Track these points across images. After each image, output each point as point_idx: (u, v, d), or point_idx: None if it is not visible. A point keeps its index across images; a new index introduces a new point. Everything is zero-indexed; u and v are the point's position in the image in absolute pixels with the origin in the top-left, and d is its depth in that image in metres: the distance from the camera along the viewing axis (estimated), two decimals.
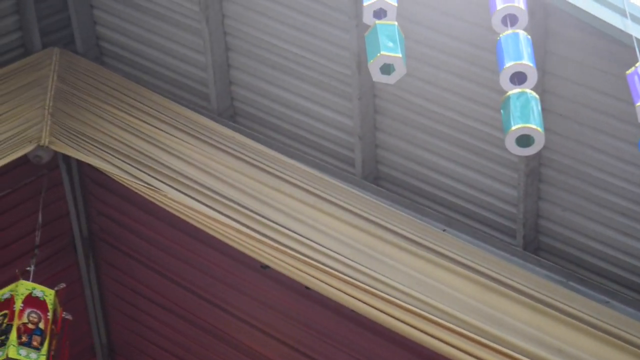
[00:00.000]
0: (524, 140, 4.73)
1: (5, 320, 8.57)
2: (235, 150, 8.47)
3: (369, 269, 7.43)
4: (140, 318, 10.79)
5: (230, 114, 8.90)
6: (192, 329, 10.27)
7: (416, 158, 8.05)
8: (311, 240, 7.74)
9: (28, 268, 9.04)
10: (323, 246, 7.68)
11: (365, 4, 5.41)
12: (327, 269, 7.57)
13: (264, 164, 8.33)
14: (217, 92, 8.77)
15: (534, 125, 4.64)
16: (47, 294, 8.82)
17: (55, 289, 8.88)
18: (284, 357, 9.57)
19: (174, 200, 8.39)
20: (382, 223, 7.76)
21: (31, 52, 9.18)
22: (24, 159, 9.12)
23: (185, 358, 10.62)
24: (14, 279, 8.97)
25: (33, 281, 9.04)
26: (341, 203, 7.90)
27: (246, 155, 8.41)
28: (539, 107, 4.74)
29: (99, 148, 8.78)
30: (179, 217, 8.57)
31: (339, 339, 9.08)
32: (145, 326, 10.81)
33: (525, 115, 4.66)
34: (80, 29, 9.22)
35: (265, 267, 8.39)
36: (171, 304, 10.30)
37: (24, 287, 8.83)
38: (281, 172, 8.23)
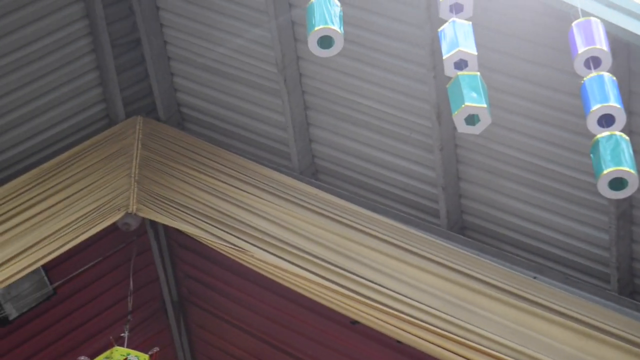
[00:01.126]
0: (617, 183, 4.67)
1: None
2: (319, 208, 8.53)
3: (461, 320, 7.37)
4: None
5: (312, 172, 8.96)
6: None
7: (502, 206, 8.00)
8: (400, 294, 7.72)
9: (122, 334, 9.14)
10: (413, 299, 7.65)
11: (445, 56, 5.42)
12: (418, 322, 7.54)
13: (349, 219, 8.36)
14: (298, 150, 8.85)
15: (627, 168, 4.59)
16: (142, 359, 8.90)
17: (149, 353, 8.94)
18: None
19: (261, 260, 8.45)
20: (471, 273, 7.71)
21: (115, 122, 9.38)
22: (113, 227, 9.30)
23: None
24: (108, 346, 9.09)
25: (127, 347, 9.14)
26: (428, 255, 7.88)
27: (330, 212, 8.46)
28: (630, 149, 4.69)
29: (185, 212, 8.91)
30: (266, 277, 8.63)
31: None
32: None
33: (617, 158, 4.61)
34: (162, 97, 9.41)
35: (355, 322, 8.37)
36: None
37: (119, 354, 8.92)
38: (366, 226, 8.25)
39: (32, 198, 8.87)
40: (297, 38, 8.39)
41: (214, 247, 8.81)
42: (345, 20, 5.45)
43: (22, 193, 8.87)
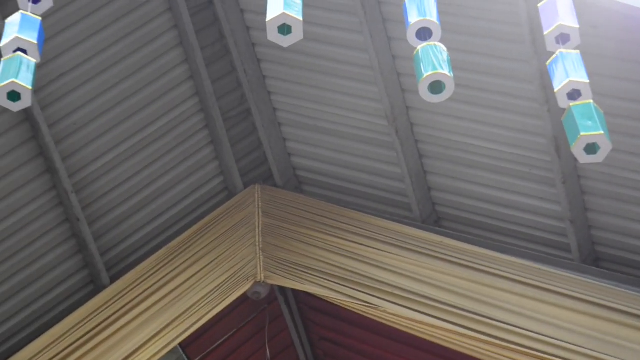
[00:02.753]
0: None
1: None
2: (446, 255, 8.45)
3: (610, 356, 7.16)
4: None
5: (434, 220, 8.90)
6: None
7: (634, 233, 7.78)
8: (541, 334, 7.57)
9: None
10: (555, 338, 7.50)
11: (557, 88, 5.34)
12: None
13: (477, 263, 8.26)
14: (418, 200, 8.81)
15: None
16: None
17: None
18: None
19: (394, 315, 8.42)
20: (611, 305, 7.52)
21: (234, 194, 9.51)
22: (243, 298, 9.39)
23: None
24: None
25: None
26: (564, 291, 7.71)
27: (457, 258, 8.37)
28: None
29: (312, 274, 8.94)
30: (400, 331, 8.56)
31: None
32: None
33: None
34: (277, 163, 9.51)
35: None
36: None
37: None
38: (496, 268, 8.13)
39: (162, 278, 9.03)
40: (405, 88, 8.40)
41: (344, 306, 8.80)
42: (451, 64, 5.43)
43: (153, 274, 9.03)
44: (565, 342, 7.42)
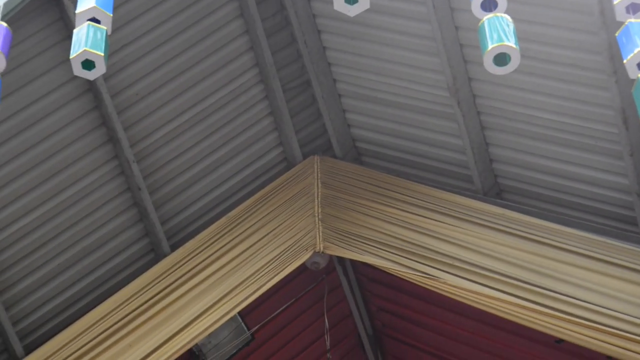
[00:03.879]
0: None
1: None
2: (507, 227, 8.38)
3: None
4: None
5: (496, 192, 8.83)
6: None
7: None
8: (606, 308, 7.48)
9: None
10: (620, 312, 7.40)
11: (626, 59, 5.25)
12: (630, 335, 7.28)
13: (540, 236, 8.18)
14: (479, 172, 8.74)
15: None
16: None
17: None
18: None
19: (455, 286, 8.36)
20: None
21: (293, 165, 9.51)
22: (302, 268, 9.41)
23: None
24: None
25: None
26: (629, 264, 7.61)
27: (519, 230, 8.30)
28: None
29: (371, 245, 8.92)
30: (459, 302, 8.53)
31: None
32: None
33: None
34: (336, 134, 9.49)
35: (560, 341, 8.17)
36: None
37: None
38: (559, 241, 8.05)
39: (222, 247, 9.08)
40: (467, 60, 8.31)
41: (404, 278, 8.78)
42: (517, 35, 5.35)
43: (213, 243, 9.08)
44: (630, 315, 7.34)
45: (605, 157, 7.93)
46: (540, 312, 7.78)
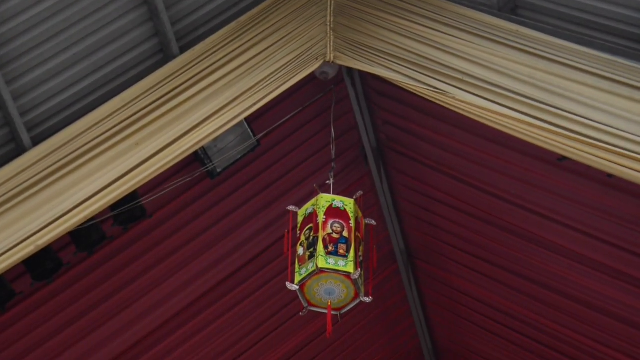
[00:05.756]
0: None
1: (312, 234, 8.79)
2: (521, 44, 8.30)
3: None
4: (435, 221, 10.92)
5: (511, 7, 8.69)
6: (487, 227, 10.29)
7: None
8: (612, 127, 7.49)
9: (327, 182, 9.24)
10: (625, 131, 7.41)
11: None
12: (631, 154, 7.32)
13: (552, 54, 8.11)
14: None
15: None
16: (347, 204, 8.92)
17: (354, 197, 8.99)
18: (586, 246, 9.40)
19: (463, 101, 8.35)
20: None
21: None
22: (310, 77, 9.37)
23: (482, 256, 10.67)
24: (313, 194, 9.25)
25: (332, 193, 9.25)
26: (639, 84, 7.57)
27: (532, 48, 8.22)
28: None
29: (382, 57, 8.85)
30: (466, 118, 8.53)
31: None
32: (440, 229, 10.94)
33: None
34: None
35: (562, 159, 8.22)
36: (464, 205, 10.34)
37: (324, 200, 8.96)
38: (571, 60, 7.99)
39: (231, 52, 9.01)
40: None
41: (412, 91, 8.74)
42: None
43: (222, 47, 9.01)
44: (635, 135, 7.34)
45: None
46: (546, 130, 7.78)
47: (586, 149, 7.58)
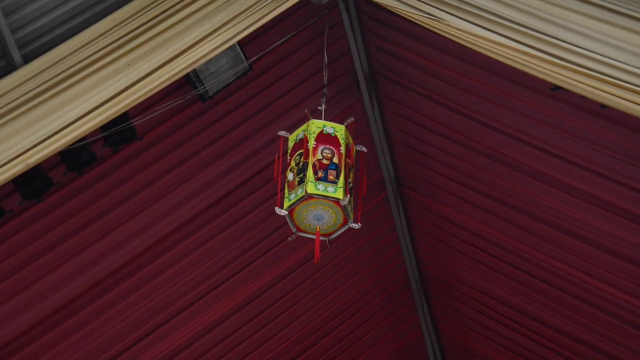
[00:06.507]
0: None
1: (302, 159, 8.78)
2: None
3: None
4: (425, 150, 10.93)
5: None
6: (478, 157, 10.29)
7: None
8: (607, 57, 7.45)
9: (319, 107, 9.19)
10: (621, 62, 7.38)
11: None
12: (625, 84, 7.30)
13: None
14: None
15: None
16: (338, 130, 8.86)
17: (345, 123, 8.94)
18: (577, 177, 9.43)
19: (457, 29, 8.27)
20: None
21: None
22: (304, 1, 9.28)
23: (472, 186, 10.69)
24: (304, 119, 9.20)
25: (323, 119, 9.20)
26: (638, 15, 7.52)
27: None
28: None
29: None
30: (460, 46, 8.46)
31: (637, 156, 8.83)
32: (431, 157, 10.94)
33: None
34: None
35: (556, 88, 8.19)
36: (455, 134, 10.33)
37: (315, 126, 8.89)
38: None
39: None
40: None
41: (407, 17, 8.65)
42: None
43: None
44: (631, 65, 7.32)
45: None
46: (541, 59, 7.73)
47: (581, 78, 7.54)
